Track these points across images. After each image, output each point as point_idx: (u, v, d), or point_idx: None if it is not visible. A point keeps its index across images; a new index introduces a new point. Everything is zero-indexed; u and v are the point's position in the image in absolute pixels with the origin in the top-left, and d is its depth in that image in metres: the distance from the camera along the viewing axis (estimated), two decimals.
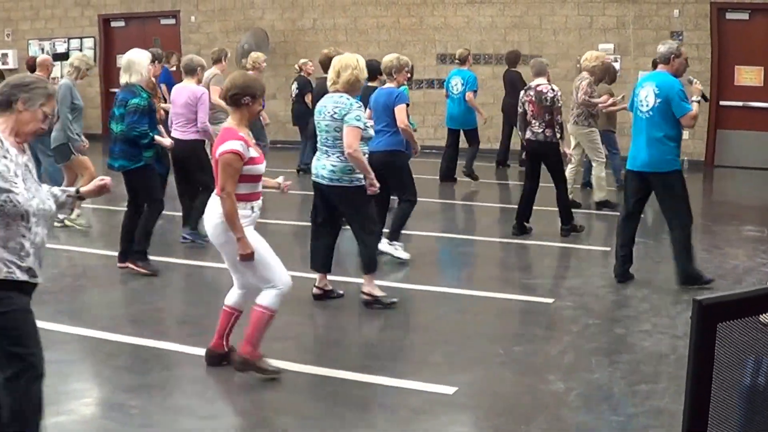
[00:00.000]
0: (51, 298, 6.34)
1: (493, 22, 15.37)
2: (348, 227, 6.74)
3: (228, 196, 4.73)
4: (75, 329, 5.86)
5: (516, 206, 8.98)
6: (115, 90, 17.73)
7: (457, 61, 12.54)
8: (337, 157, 6.17)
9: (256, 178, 4.92)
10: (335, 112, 6.11)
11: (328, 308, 6.45)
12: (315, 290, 6.57)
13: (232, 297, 5.21)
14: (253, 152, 4.86)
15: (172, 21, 18.00)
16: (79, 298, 6.85)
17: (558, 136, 8.61)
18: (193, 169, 8.24)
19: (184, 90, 8.26)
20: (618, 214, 9.88)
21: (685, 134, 12.49)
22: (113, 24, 18.66)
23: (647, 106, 6.66)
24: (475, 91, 12.13)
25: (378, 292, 6.43)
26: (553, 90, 8.51)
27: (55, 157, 8.85)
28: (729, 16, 13.98)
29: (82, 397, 4.77)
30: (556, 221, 8.92)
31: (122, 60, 7.27)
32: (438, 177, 12.35)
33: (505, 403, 4.77)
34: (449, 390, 4.86)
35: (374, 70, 7.80)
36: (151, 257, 7.45)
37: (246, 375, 5.11)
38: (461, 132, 12.41)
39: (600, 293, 6.93)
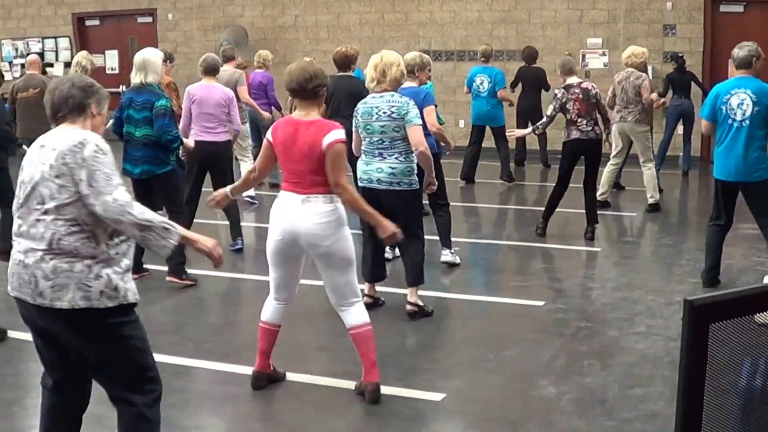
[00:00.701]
0: None
1: (480, 17, 15.25)
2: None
3: (344, 188, 4.49)
4: None
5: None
6: None
7: (482, 58, 12.25)
8: (395, 158, 5.89)
9: None
10: (393, 112, 5.81)
11: (313, 315, 6.29)
12: (366, 299, 6.20)
13: (270, 312, 4.84)
14: None
15: (149, 19, 17.86)
16: None
17: (607, 131, 8.66)
18: (225, 170, 7.99)
19: (215, 90, 7.92)
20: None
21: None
22: (88, 23, 18.51)
23: (743, 114, 6.39)
24: (504, 87, 12.01)
25: (421, 302, 6.24)
26: (594, 87, 8.48)
27: None
28: (723, 8, 13.86)
29: None
30: (550, 223, 8.79)
31: (136, 59, 6.89)
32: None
33: (495, 409, 4.67)
34: (437, 396, 4.76)
35: None
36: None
37: (228, 385, 5.01)
38: (486, 130, 12.14)
39: (592, 295, 6.85)
